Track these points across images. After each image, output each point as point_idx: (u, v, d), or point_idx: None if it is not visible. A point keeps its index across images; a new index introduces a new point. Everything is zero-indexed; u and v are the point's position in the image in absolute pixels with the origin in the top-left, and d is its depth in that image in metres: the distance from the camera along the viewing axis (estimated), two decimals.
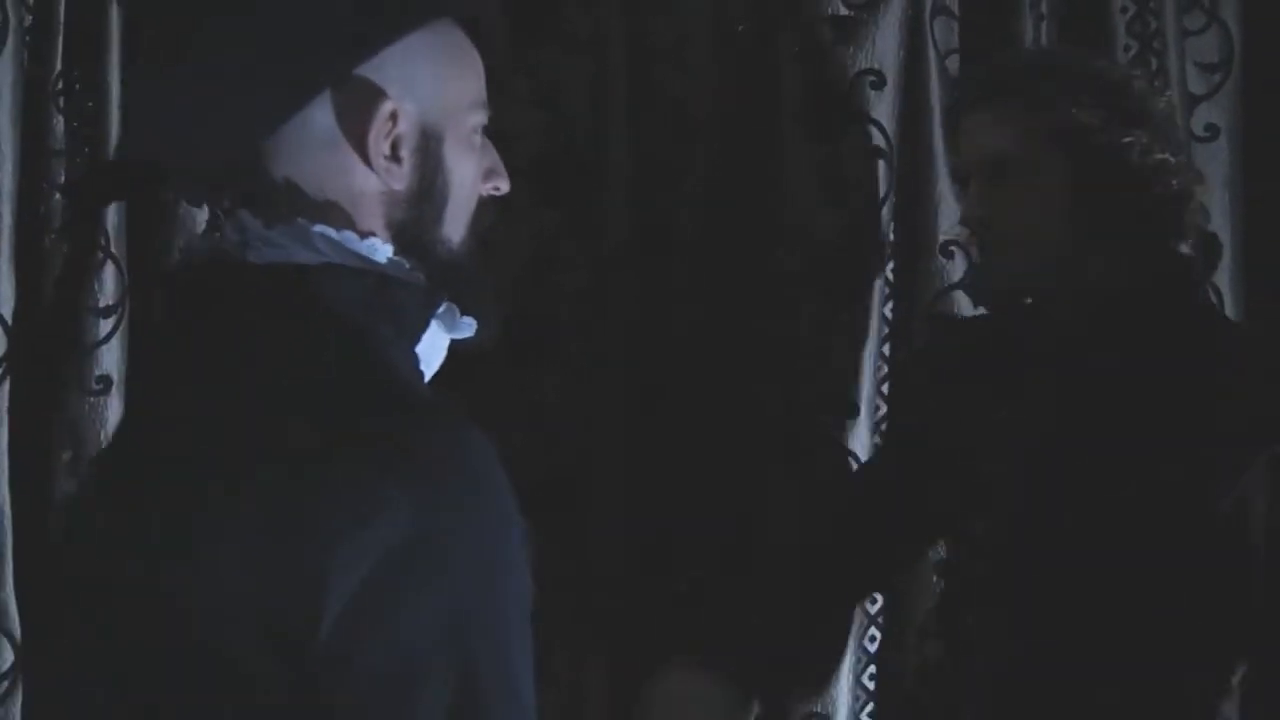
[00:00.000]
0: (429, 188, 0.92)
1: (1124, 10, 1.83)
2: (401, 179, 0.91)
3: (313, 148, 0.90)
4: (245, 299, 0.89)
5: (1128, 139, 1.38)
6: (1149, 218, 1.39)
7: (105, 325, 1.80)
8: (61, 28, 1.80)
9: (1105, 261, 1.41)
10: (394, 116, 0.90)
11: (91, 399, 1.79)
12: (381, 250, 0.92)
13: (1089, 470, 1.40)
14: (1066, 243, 1.42)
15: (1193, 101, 1.82)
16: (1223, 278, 1.79)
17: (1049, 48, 1.72)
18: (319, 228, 0.90)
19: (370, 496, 0.79)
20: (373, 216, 0.91)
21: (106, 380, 1.79)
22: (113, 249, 1.79)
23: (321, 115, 0.89)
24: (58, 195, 1.77)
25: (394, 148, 0.91)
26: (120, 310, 1.81)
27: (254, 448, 0.83)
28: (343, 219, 0.90)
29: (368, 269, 0.90)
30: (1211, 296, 1.55)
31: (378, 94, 0.89)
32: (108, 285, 1.80)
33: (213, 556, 0.81)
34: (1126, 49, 1.80)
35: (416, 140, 0.92)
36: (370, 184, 0.91)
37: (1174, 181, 1.39)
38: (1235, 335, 1.47)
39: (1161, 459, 1.36)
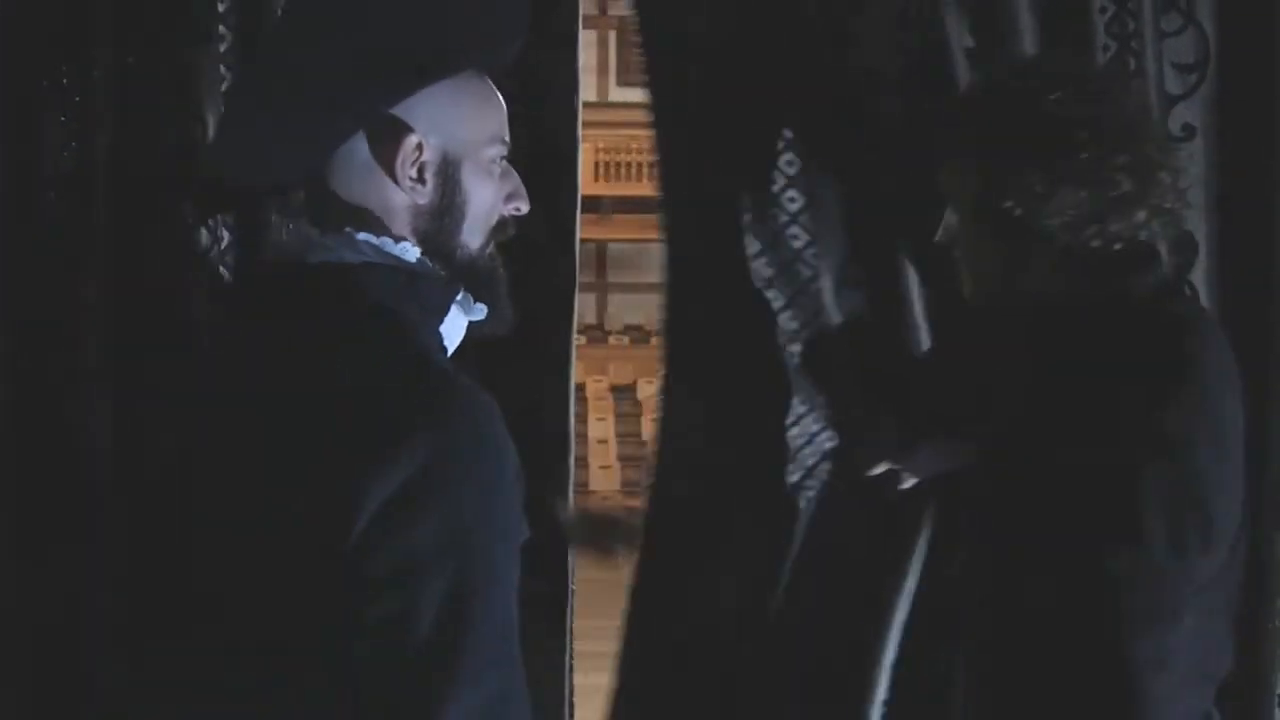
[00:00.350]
0: (449, 204, 1.17)
1: (1103, 10, 1.85)
2: (425, 196, 1.16)
3: (356, 171, 1.15)
4: (307, 291, 1.14)
5: (1032, 164, 1.39)
6: (1064, 231, 1.39)
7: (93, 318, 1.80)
8: (50, 22, 1.80)
9: (1035, 278, 1.44)
10: (419, 147, 1.15)
11: (79, 391, 1.79)
12: (411, 252, 1.16)
13: (1018, 476, 1.43)
14: (999, 262, 1.46)
15: (1170, 101, 1.85)
16: (1199, 275, 1.84)
17: (1008, 65, 1.72)
18: (362, 235, 1.15)
19: (399, 439, 1.03)
20: (404, 225, 1.16)
21: (95, 373, 1.80)
22: (102, 244, 1.79)
23: (362, 146, 1.14)
24: (50, 192, 1.78)
25: (420, 171, 1.15)
26: (108, 304, 1.81)
27: (313, 403, 1.07)
28: (380, 227, 1.15)
29: (400, 266, 1.15)
30: (1170, 293, 1.49)
31: (405, 129, 1.14)
32: (96, 279, 1.80)
33: (280, 481, 1.06)
34: (1105, 49, 1.83)
35: (438, 166, 1.16)
36: (400, 199, 1.16)
37: (1083, 194, 1.38)
38: (1166, 336, 1.40)
39: (1085, 458, 1.37)
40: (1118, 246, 1.39)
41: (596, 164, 16.53)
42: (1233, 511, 1.39)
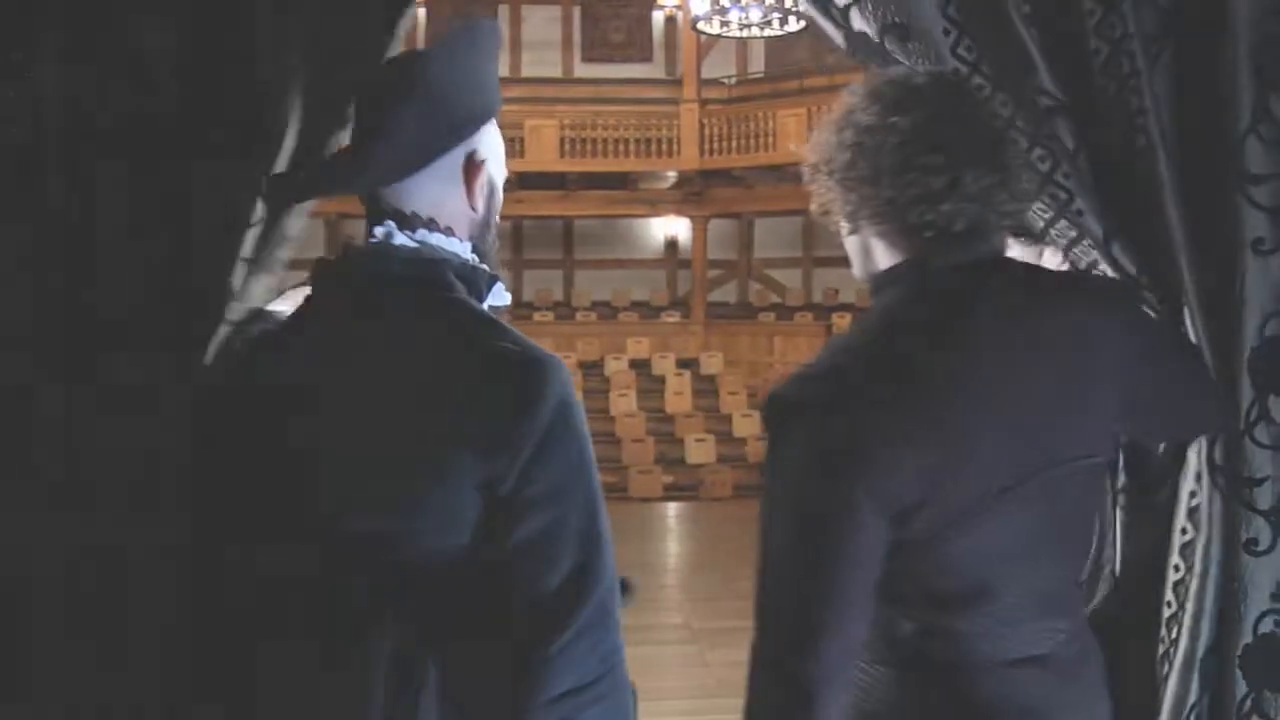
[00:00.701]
0: (489, 215, 1.56)
1: None
2: (480, 207, 1.54)
3: (437, 184, 1.50)
4: (402, 278, 1.44)
5: (848, 163, 1.54)
6: (876, 220, 1.54)
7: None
8: None
9: (866, 260, 1.60)
10: (483, 168, 1.54)
11: (33, 368, 1.75)
12: (468, 248, 1.52)
13: None
14: (852, 248, 1.63)
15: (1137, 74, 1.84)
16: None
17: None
18: (435, 236, 1.49)
19: (536, 393, 1.37)
20: (462, 229, 1.53)
21: (52, 359, 1.76)
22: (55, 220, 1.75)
23: (448, 165, 1.50)
24: None
25: (480, 189, 1.53)
26: (68, 293, 1.77)
27: (450, 371, 1.39)
28: (447, 229, 1.51)
29: (464, 260, 1.50)
30: (965, 275, 1.51)
31: (479, 155, 1.53)
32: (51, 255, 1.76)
33: (448, 430, 1.37)
34: (1091, 14, 1.81)
35: (489, 186, 1.56)
36: (465, 208, 1.53)
37: (887, 192, 1.50)
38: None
39: None
40: (929, 235, 1.51)
41: (561, 140, 16.47)
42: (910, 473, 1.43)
